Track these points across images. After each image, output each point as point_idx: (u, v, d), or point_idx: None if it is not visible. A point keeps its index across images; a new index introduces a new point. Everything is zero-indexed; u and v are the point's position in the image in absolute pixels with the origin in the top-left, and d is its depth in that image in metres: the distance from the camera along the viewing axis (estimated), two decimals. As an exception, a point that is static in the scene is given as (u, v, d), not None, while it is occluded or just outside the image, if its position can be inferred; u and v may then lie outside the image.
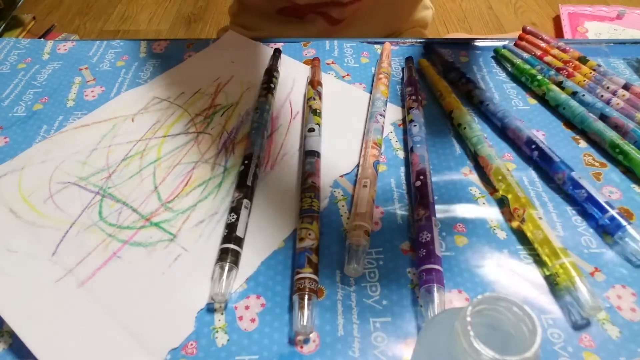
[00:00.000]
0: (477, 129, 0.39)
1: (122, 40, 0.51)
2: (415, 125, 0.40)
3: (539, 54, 0.48)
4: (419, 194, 0.34)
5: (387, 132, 0.41)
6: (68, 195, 0.36)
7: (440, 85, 0.44)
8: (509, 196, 0.34)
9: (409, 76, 0.45)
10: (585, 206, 0.34)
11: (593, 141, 0.40)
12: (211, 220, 0.34)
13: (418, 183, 0.35)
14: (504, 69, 0.48)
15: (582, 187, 0.34)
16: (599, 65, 0.46)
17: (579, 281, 0.29)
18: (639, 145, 0.38)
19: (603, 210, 0.33)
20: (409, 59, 0.47)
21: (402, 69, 0.48)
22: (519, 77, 0.46)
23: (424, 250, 0.31)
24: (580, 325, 0.29)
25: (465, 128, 0.40)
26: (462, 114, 0.41)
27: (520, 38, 0.51)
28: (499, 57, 0.49)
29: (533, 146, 0.38)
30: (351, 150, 0.39)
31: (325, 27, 0.62)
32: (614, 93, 0.43)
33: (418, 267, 0.31)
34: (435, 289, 0.29)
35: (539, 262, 0.32)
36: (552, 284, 0.31)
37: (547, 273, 0.31)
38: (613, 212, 0.33)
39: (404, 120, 0.42)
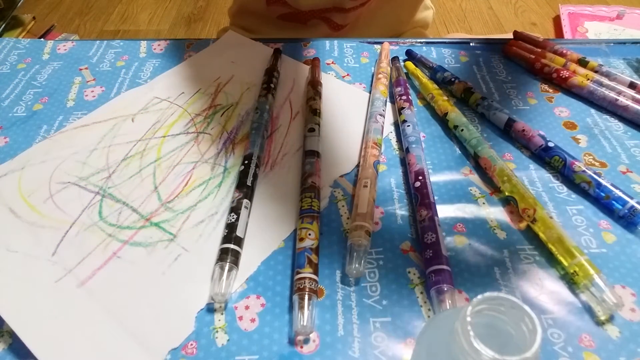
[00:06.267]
0: (475, 130, 0.39)
1: (122, 40, 0.51)
2: (408, 126, 0.40)
3: (531, 58, 0.46)
4: (420, 195, 0.34)
5: (387, 132, 0.41)
6: (68, 195, 0.36)
7: (431, 88, 0.44)
8: (517, 197, 0.34)
9: (397, 76, 0.45)
10: (604, 202, 0.35)
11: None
12: (211, 220, 0.34)
13: (417, 184, 0.35)
14: (504, 69, 0.48)
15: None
16: (601, 65, 0.45)
17: (598, 279, 0.29)
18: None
19: (621, 200, 0.34)
20: (395, 59, 0.47)
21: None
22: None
23: (431, 252, 0.31)
24: (582, 325, 0.29)
25: (462, 130, 0.39)
26: (457, 115, 0.41)
27: (511, 44, 0.49)
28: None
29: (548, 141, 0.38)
30: (351, 150, 0.39)
31: (327, 32, 0.62)
32: (619, 93, 0.42)
33: (426, 269, 0.31)
34: (445, 289, 0.29)
35: (539, 262, 0.32)
36: (570, 283, 0.31)
37: (563, 272, 0.31)
38: (632, 202, 0.33)
39: (396, 121, 0.42)
